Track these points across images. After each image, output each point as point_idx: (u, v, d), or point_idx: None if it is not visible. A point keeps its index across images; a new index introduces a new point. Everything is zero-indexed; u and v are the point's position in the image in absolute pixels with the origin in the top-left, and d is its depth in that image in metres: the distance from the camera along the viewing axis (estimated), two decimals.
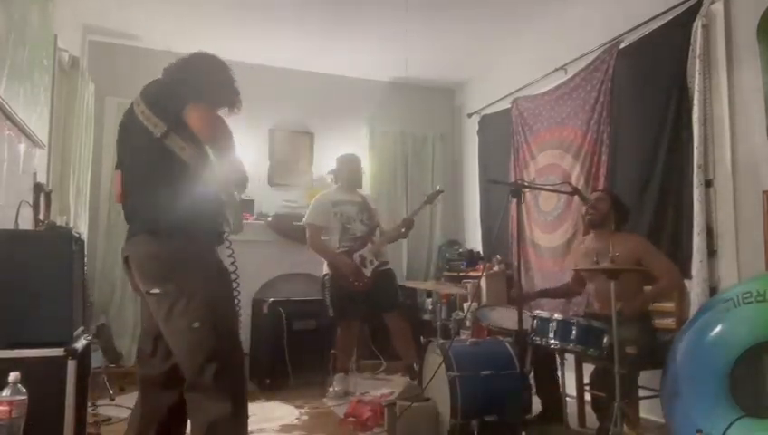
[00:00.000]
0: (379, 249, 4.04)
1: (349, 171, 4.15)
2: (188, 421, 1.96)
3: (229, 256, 1.98)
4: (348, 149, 4.93)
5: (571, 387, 3.15)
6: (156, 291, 1.84)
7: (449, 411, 2.63)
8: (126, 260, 1.94)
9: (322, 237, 3.97)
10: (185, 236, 1.85)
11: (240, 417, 1.87)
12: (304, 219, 4.05)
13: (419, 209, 4.25)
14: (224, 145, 1.91)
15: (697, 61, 3.07)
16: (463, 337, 4.02)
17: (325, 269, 4.02)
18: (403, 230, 4.15)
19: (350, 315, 3.98)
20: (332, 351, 4.10)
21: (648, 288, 3.01)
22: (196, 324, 1.79)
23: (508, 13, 4.19)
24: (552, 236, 4.20)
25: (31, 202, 2.59)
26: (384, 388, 4.03)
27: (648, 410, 2.95)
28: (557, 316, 2.80)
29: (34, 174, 2.96)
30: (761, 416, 2.35)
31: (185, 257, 1.85)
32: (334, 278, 3.93)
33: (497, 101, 4.98)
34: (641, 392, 2.86)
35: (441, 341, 2.99)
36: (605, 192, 3.29)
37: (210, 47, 5.11)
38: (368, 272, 3.91)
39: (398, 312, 4.01)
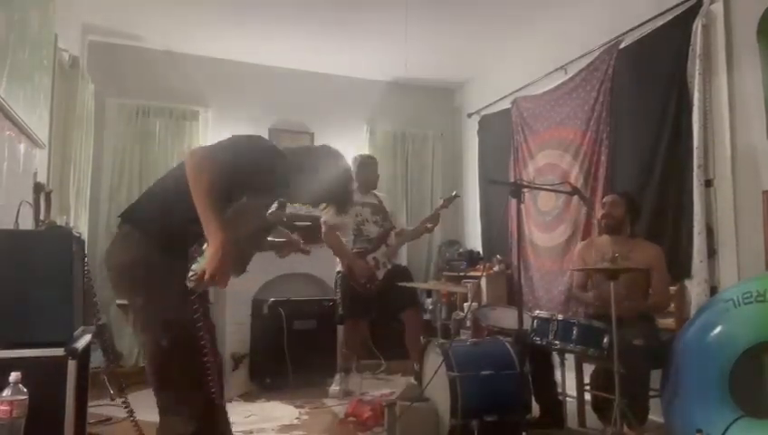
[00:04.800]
0: (394, 252, 4.04)
1: (363, 173, 4.10)
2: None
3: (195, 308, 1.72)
4: (348, 149, 4.95)
5: (571, 387, 3.15)
6: (120, 302, 1.85)
7: (449, 411, 2.63)
8: None
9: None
10: (156, 248, 1.75)
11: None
12: (321, 218, 4.05)
13: (433, 215, 4.24)
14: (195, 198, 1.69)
15: (697, 61, 3.07)
16: (463, 337, 4.02)
17: (338, 267, 4.02)
18: (429, 226, 4.13)
19: (359, 315, 3.98)
20: (343, 350, 4.10)
21: None
22: (165, 342, 1.72)
23: (508, 13, 4.19)
24: (551, 236, 4.20)
25: (31, 202, 2.59)
26: (384, 388, 4.04)
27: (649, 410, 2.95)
28: (558, 316, 2.81)
29: (35, 174, 2.96)
30: (761, 416, 2.35)
31: (153, 271, 1.74)
32: (346, 277, 3.93)
33: (497, 101, 4.98)
34: None
35: (441, 341, 2.99)
36: (620, 195, 3.22)
37: (210, 47, 5.14)
38: (380, 274, 3.90)
39: (415, 310, 4.02)
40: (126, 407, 2.03)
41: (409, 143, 5.67)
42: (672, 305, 3.12)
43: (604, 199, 3.28)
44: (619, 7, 3.71)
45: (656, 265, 3.00)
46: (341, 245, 3.94)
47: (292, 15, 4.27)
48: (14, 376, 1.60)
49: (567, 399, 3.04)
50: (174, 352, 1.71)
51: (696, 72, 3.07)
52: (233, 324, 4.24)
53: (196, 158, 1.70)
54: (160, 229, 1.76)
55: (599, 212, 3.29)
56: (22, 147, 2.77)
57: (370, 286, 3.84)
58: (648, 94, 3.40)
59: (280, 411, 3.52)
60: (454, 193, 4.04)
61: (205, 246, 1.66)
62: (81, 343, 2.03)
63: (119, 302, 1.88)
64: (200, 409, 1.74)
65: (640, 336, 2.73)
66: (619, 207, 3.15)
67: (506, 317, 3.29)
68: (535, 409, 2.91)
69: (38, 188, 2.75)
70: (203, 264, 1.62)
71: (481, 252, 5.12)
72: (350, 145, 5.07)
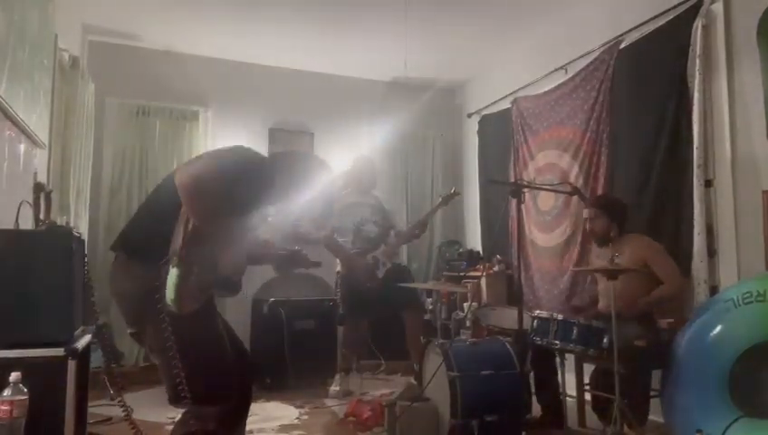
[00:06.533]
0: (393, 251, 4.06)
1: (362, 173, 4.14)
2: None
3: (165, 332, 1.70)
4: (348, 149, 4.96)
5: (571, 387, 3.15)
6: (132, 332, 1.84)
7: (449, 411, 2.63)
8: None
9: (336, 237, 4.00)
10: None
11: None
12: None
13: (434, 211, 4.29)
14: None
15: (697, 61, 3.07)
16: (463, 337, 4.02)
17: (338, 267, 4.05)
18: (417, 232, 4.15)
19: (359, 315, 4.01)
20: (344, 350, 4.11)
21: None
22: (179, 362, 1.72)
23: (508, 12, 4.19)
24: (550, 236, 4.20)
25: (31, 202, 2.59)
26: (384, 388, 4.04)
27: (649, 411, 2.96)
28: (558, 316, 2.81)
29: (35, 174, 2.96)
30: (760, 416, 2.35)
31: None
32: (346, 277, 3.95)
33: (497, 101, 4.98)
34: None
35: (441, 341, 2.99)
36: (596, 207, 3.14)
37: (210, 47, 5.14)
38: (380, 274, 3.92)
39: (416, 309, 4.04)
40: (122, 407, 2.01)
41: (409, 143, 5.67)
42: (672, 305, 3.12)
43: (584, 214, 3.22)
44: (619, 7, 3.71)
45: (650, 255, 2.95)
46: (339, 246, 3.96)
47: (291, 15, 4.26)
48: (14, 376, 1.60)
49: (567, 399, 3.04)
50: (195, 368, 1.73)
51: (696, 72, 3.07)
52: (233, 324, 4.23)
53: (186, 183, 1.67)
54: (157, 257, 1.72)
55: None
56: (22, 147, 2.77)
57: (370, 285, 3.85)
58: (648, 94, 3.40)
59: (280, 411, 3.52)
60: (453, 190, 4.03)
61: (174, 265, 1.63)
62: (81, 343, 2.03)
63: (130, 331, 1.87)
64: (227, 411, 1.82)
65: (641, 337, 2.73)
66: (598, 220, 3.09)
67: (506, 317, 3.30)
68: (535, 408, 2.92)
69: (38, 188, 2.75)
70: (174, 284, 1.61)
71: (481, 252, 5.12)
72: (350, 145, 5.08)
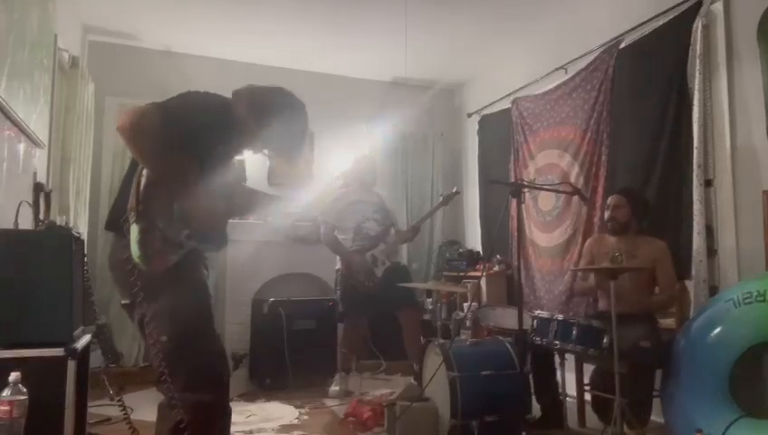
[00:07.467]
0: (392, 250, 4.06)
1: (363, 171, 4.16)
2: None
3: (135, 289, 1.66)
4: (348, 148, 4.95)
5: (571, 387, 3.15)
6: (125, 302, 1.78)
7: (449, 411, 2.62)
8: None
9: (336, 235, 4.00)
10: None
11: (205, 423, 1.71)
12: (319, 216, 4.07)
13: (435, 210, 4.30)
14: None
15: (697, 61, 3.07)
16: (463, 337, 4.02)
17: (338, 264, 4.05)
18: (410, 235, 4.15)
19: (358, 313, 4.00)
20: (343, 350, 4.11)
21: None
22: (164, 338, 1.67)
23: (508, 12, 4.19)
24: (551, 236, 4.19)
25: (31, 202, 2.59)
26: (384, 388, 4.03)
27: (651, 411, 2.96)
28: (558, 316, 2.81)
29: (34, 174, 2.96)
30: (761, 416, 2.35)
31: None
32: (345, 275, 3.96)
33: (497, 100, 4.98)
34: None
35: (441, 341, 2.99)
36: (624, 196, 3.15)
37: (210, 47, 5.13)
38: (379, 272, 3.92)
39: (412, 309, 4.04)
40: (122, 408, 1.98)
41: (409, 143, 5.67)
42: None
43: (608, 201, 3.24)
44: (619, 7, 3.71)
45: (662, 258, 2.99)
46: (339, 243, 3.96)
47: (291, 15, 4.27)
48: (13, 376, 1.60)
49: (567, 399, 3.04)
50: (175, 339, 1.68)
51: (696, 72, 3.07)
52: (233, 324, 4.25)
53: (122, 122, 1.57)
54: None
55: (604, 213, 3.28)
56: (21, 147, 2.77)
57: (369, 284, 3.85)
58: (648, 94, 3.40)
59: (280, 411, 3.51)
60: (454, 189, 4.02)
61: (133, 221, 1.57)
62: (81, 343, 2.03)
63: (123, 302, 1.83)
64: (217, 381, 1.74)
65: (645, 337, 2.72)
66: (622, 209, 3.12)
67: (506, 317, 3.29)
68: (535, 409, 2.91)
69: (38, 187, 2.75)
70: (137, 240, 1.56)
71: (481, 252, 5.12)
72: (350, 145, 5.07)
